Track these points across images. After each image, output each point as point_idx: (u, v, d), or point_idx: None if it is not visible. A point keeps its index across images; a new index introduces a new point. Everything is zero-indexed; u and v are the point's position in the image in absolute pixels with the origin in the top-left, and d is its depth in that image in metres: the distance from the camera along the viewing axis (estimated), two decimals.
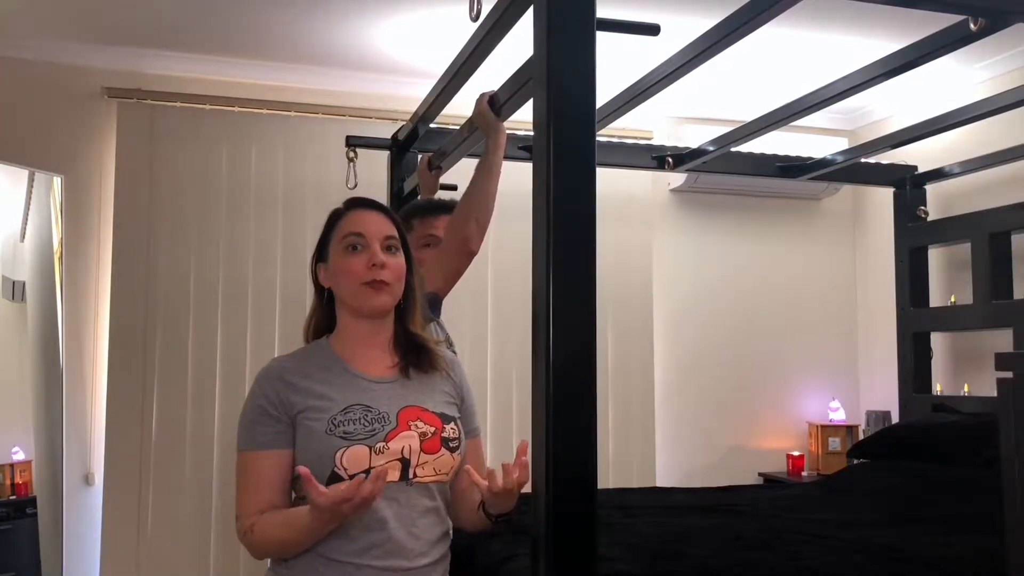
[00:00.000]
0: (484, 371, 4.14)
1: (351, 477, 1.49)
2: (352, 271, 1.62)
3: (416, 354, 1.69)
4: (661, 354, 4.45)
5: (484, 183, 2.23)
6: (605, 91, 2.46)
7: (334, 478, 1.50)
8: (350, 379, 1.61)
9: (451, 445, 1.63)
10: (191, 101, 3.88)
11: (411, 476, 1.57)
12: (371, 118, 3.99)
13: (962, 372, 4.05)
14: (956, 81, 4.07)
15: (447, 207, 2.53)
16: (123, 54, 3.87)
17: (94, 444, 3.76)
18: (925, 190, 4.15)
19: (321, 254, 1.69)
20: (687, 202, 4.61)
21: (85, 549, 3.72)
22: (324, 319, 1.71)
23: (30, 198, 3.74)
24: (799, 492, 3.50)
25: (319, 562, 1.53)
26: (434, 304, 2.24)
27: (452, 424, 1.66)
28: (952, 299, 4.02)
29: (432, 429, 1.61)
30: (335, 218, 1.69)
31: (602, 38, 1.55)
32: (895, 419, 4.20)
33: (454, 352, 2.50)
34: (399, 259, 1.65)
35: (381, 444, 1.54)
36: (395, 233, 1.67)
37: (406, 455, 1.56)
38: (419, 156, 3.26)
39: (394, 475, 1.54)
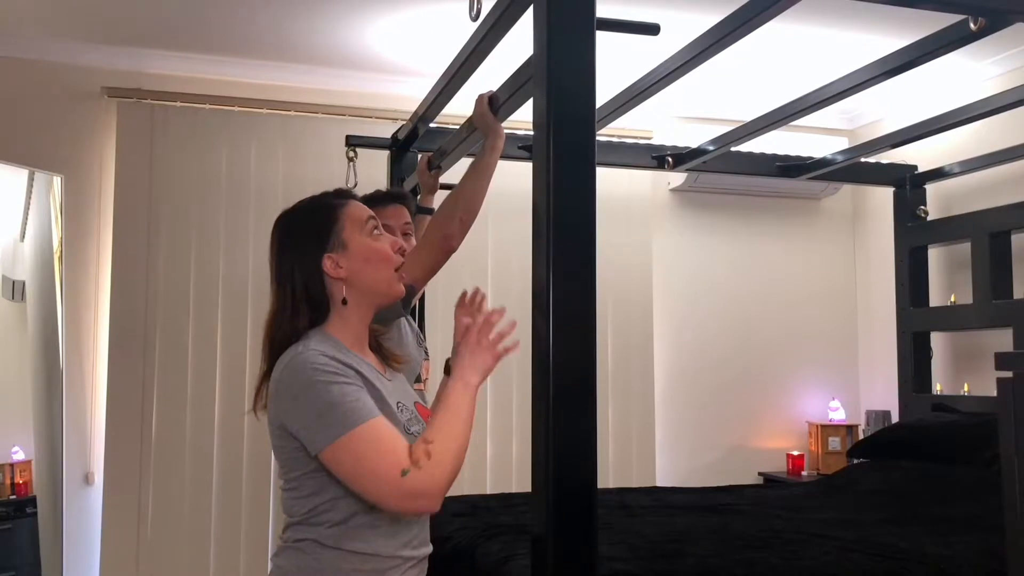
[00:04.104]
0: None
1: None
2: (388, 255, 1.58)
3: (383, 353, 1.68)
4: (661, 354, 4.46)
5: (476, 183, 2.22)
6: (605, 91, 2.46)
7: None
8: (375, 374, 1.57)
9: None
10: (191, 101, 3.89)
11: None
12: (371, 118, 3.99)
13: (962, 372, 4.05)
14: (964, 77, 4.05)
15: (398, 196, 2.57)
16: (123, 54, 3.87)
17: (94, 444, 3.77)
18: (925, 190, 4.15)
19: (325, 245, 1.56)
20: (687, 202, 4.61)
21: (85, 549, 3.72)
22: (306, 319, 1.57)
23: (30, 198, 3.73)
24: (799, 492, 3.50)
25: (368, 564, 1.48)
26: (408, 297, 2.23)
27: None
28: (952, 299, 4.02)
29: None
30: (331, 208, 1.60)
31: (602, 38, 1.55)
32: (895, 419, 4.20)
33: (425, 349, 2.51)
34: None
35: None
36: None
37: None
38: (419, 156, 3.26)
39: None
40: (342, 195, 1.66)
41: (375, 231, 1.60)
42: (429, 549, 1.60)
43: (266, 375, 1.55)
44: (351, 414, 1.41)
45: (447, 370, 1.57)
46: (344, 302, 1.57)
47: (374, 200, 2.49)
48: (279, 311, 1.57)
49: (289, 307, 1.56)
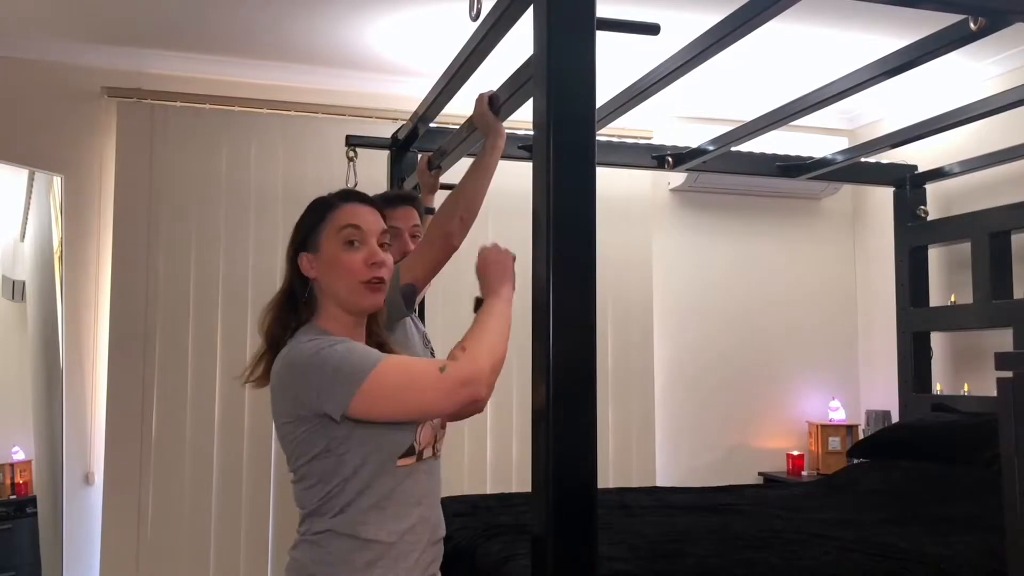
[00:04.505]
0: None
1: (420, 452, 1.56)
2: (352, 268, 1.58)
3: (385, 348, 1.69)
4: (661, 354, 4.46)
5: (476, 181, 2.22)
6: (605, 91, 2.46)
7: (410, 452, 1.54)
8: None
9: (444, 421, 1.70)
10: (191, 101, 3.89)
11: (437, 450, 1.65)
12: (371, 118, 3.99)
13: (962, 372, 4.06)
14: (964, 77, 4.06)
15: (407, 198, 2.57)
16: (123, 54, 3.87)
17: (94, 444, 3.77)
18: (925, 190, 4.15)
19: (305, 244, 1.62)
20: (687, 202, 4.61)
21: (85, 549, 3.72)
22: (300, 311, 1.63)
23: (30, 198, 3.74)
24: (799, 492, 3.50)
25: (378, 548, 1.51)
26: (411, 296, 2.24)
27: None
28: (952, 299, 4.02)
29: None
30: (325, 208, 1.64)
31: (602, 38, 1.55)
32: (895, 419, 4.20)
33: (431, 349, 2.51)
34: (390, 256, 1.65)
35: (436, 422, 1.61)
36: (386, 228, 1.66)
37: (437, 430, 1.64)
38: (419, 156, 3.26)
39: (429, 451, 1.60)
40: (346, 197, 1.66)
41: (347, 243, 1.59)
42: (443, 532, 1.64)
43: (267, 351, 1.63)
44: (363, 361, 1.47)
45: (477, 306, 1.66)
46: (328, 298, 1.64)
47: (384, 201, 2.49)
48: (279, 293, 1.66)
49: (284, 292, 1.65)
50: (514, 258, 1.71)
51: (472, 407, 1.49)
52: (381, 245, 1.62)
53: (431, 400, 1.47)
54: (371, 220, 1.62)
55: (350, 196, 1.67)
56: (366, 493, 1.50)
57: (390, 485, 1.52)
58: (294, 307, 1.63)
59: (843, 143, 4.30)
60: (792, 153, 4.04)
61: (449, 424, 1.71)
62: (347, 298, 1.60)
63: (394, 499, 1.52)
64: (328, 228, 1.61)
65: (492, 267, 1.67)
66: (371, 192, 1.85)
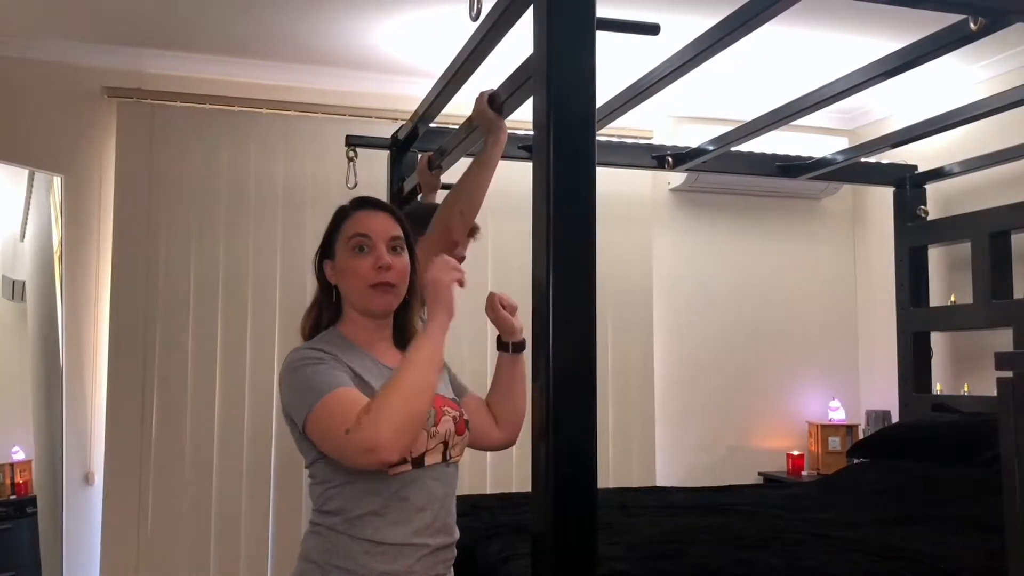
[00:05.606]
0: (484, 370, 4.13)
1: (412, 458, 1.56)
2: (359, 273, 1.63)
3: None
4: (661, 354, 4.45)
5: (477, 176, 2.22)
6: (605, 91, 2.46)
7: (400, 460, 1.53)
8: (381, 368, 1.65)
9: (469, 426, 1.73)
10: (191, 101, 3.89)
11: (449, 457, 1.65)
12: (371, 118, 3.99)
13: (962, 372, 4.05)
14: (956, 80, 4.07)
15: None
16: (123, 54, 3.87)
17: (94, 444, 3.77)
18: (925, 190, 4.15)
19: (327, 251, 1.70)
20: (687, 202, 4.61)
21: (85, 549, 3.72)
22: (329, 313, 1.71)
23: (30, 198, 3.74)
24: (799, 492, 3.50)
25: (377, 549, 1.54)
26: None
27: (462, 408, 1.75)
28: (952, 299, 4.02)
29: (457, 413, 1.69)
30: (341, 217, 1.70)
31: (602, 38, 1.55)
32: (895, 419, 4.20)
33: None
34: (404, 259, 1.67)
35: (433, 428, 1.60)
36: (400, 233, 1.68)
37: (447, 438, 1.64)
38: (419, 155, 3.26)
39: (437, 457, 1.61)
40: (359, 205, 1.71)
41: (355, 249, 1.65)
42: (451, 538, 1.65)
43: None
44: (318, 387, 1.51)
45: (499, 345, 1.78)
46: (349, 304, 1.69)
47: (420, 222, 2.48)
48: (313, 298, 1.73)
49: (316, 298, 1.73)
50: (458, 280, 1.60)
51: (380, 467, 1.48)
52: (393, 250, 1.66)
53: (340, 456, 1.49)
54: (380, 226, 1.66)
55: (363, 204, 1.72)
56: (363, 501, 1.54)
57: (388, 492, 1.55)
58: (325, 311, 1.71)
59: (843, 143, 4.30)
60: (792, 153, 4.04)
61: None
62: (359, 302, 1.66)
63: (393, 506, 1.55)
64: (341, 237, 1.67)
65: (430, 288, 1.59)
66: (375, 194, 1.86)
